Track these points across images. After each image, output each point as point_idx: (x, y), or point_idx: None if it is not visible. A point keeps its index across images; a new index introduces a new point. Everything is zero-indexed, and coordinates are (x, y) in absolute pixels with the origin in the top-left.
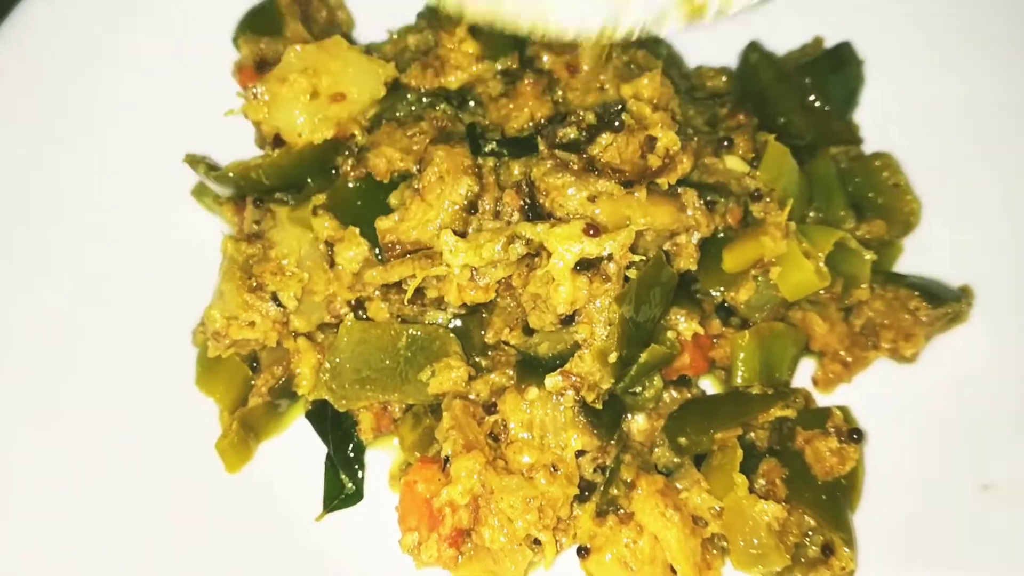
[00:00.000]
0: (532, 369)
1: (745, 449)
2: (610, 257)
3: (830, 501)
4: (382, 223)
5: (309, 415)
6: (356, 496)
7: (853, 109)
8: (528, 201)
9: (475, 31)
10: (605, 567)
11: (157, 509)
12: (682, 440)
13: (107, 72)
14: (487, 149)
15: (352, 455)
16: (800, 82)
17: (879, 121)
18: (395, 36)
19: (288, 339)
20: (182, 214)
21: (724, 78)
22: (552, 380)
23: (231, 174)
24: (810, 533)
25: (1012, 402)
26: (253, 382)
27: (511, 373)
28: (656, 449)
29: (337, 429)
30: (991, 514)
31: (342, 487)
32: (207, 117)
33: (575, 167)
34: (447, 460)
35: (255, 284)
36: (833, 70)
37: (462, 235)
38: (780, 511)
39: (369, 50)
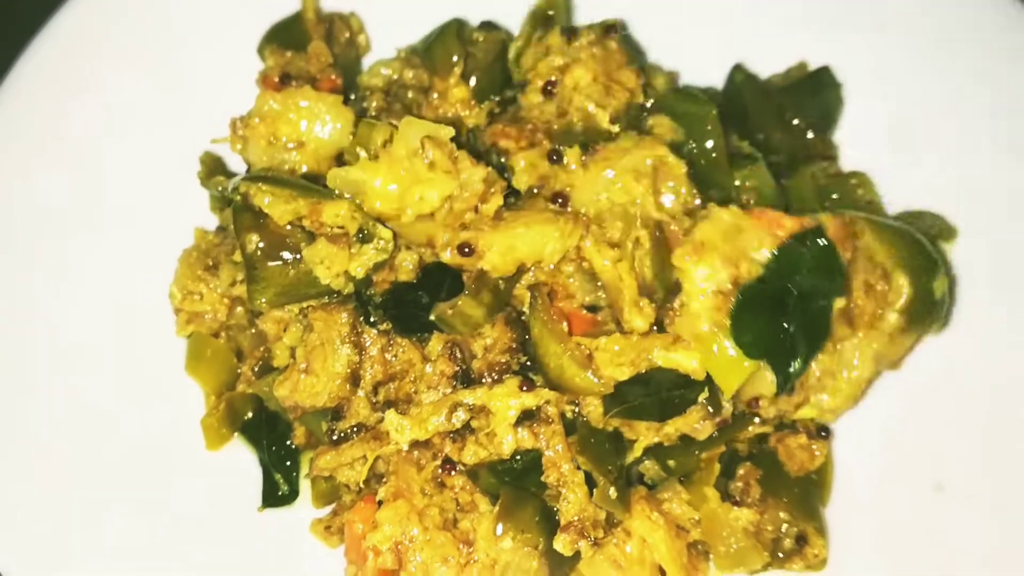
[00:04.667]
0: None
1: (727, 455)
2: (548, 402)
3: (802, 495)
4: (279, 390)
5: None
6: (292, 496)
7: (832, 129)
8: (461, 367)
9: None
10: (597, 566)
11: (143, 482)
12: (671, 463)
13: (138, 77)
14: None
15: (285, 455)
16: (780, 102)
17: (856, 140)
18: (402, 54)
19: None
20: (193, 211)
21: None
22: (561, 540)
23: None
24: (784, 526)
25: (966, 410)
26: (239, 371)
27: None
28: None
29: (271, 432)
30: (943, 512)
31: (277, 487)
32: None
33: None
34: (380, 503)
35: (210, 263)
36: (812, 93)
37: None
38: (752, 515)
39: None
